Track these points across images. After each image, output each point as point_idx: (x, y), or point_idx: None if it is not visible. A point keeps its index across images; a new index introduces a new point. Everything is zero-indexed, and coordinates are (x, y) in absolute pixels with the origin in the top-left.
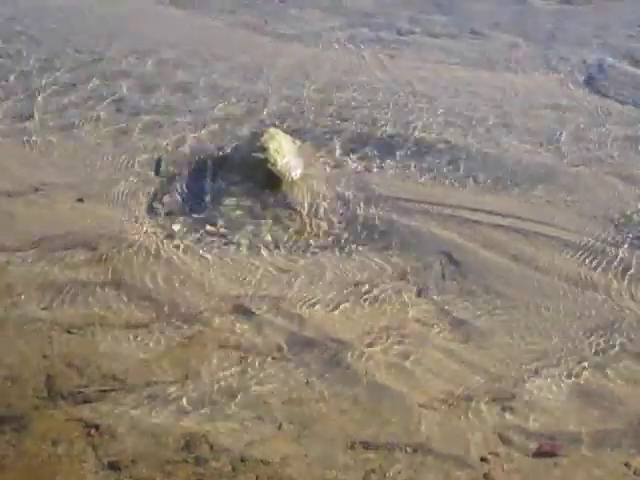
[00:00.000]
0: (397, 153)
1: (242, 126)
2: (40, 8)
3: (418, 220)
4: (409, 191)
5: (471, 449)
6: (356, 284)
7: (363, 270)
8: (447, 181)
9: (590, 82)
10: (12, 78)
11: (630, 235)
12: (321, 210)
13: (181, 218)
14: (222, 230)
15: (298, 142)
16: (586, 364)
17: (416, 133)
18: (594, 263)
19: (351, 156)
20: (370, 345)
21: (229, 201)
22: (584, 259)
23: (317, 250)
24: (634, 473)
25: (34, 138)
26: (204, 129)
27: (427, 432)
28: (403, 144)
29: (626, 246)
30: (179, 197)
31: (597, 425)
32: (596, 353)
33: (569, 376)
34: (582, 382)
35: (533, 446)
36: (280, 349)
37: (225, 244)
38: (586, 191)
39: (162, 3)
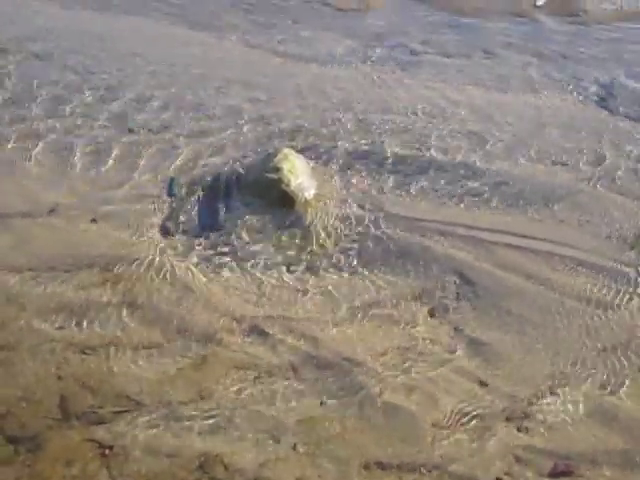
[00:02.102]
0: (411, 173)
1: (256, 146)
2: (56, 29)
3: (432, 240)
4: (423, 211)
5: (486, 469)
6: (370, 304)
7: (377, 290)
8: (461, 201)
9: (603, 101)
10: (28, 100)
11: None
12: (334, 230)
13: (194, 239)
14: (235, 250)
15: (311, 162)
16: (601, 384)
17: (430, 153)
18: (608, 283)
19: (365, 176)
20: (384, 365)
21: (242, 221)
22: (599, 279)
23: (330, 270)
24: None
25: (47, 159)
26: (217, 149)
27: (441, 452)
28: (417, 164)
29: None
30: (192, 218)
31: (612, 445)
32: (611, 373)
33: (584, 396)
34: (597, 402)
35: (548, 466)
36: (294, 369)
37: (238, 264)
38: (600, 211)
39: (176, 24)
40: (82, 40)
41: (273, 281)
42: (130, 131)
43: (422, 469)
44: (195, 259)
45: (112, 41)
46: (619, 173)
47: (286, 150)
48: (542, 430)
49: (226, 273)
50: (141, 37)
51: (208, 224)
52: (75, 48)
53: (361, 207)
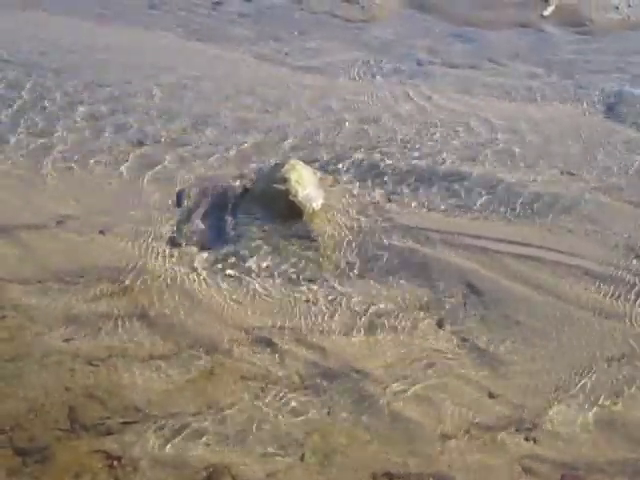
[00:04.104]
0: (417, 183)
1: (263, 157)
2: (62, 43)
3: (439, 250)
4: (430, 221)
5: (494, 479)
6: (378, 314)
7: (384, 300)
8: (468, 211)
9: (610, 111)
10: (34, 112)
11: None
12: (342, 240)
13: (202, 250)
14: (243, 261)
15: (319, 173)
16: (608, 393)
17: (437, 163)
18: (615, 292)
19: (371, 186)
20: (392, 375)
21: (250, 232)
22: (606, 288)
23: (338, 280)
24: None
25: (55, 171)
26: (225, 161)
27: (450, 462)
28: (424, 174)
29: None
30: (201, 229)
31: (620, 454)
32: (618, 382)
33: (591, 405)
34: (605, 411)
35: (556, 476)
36: (302, 380)
37: (246, 275)
38: (607, 220)
39: (184, 37)
40: (90, 53)
41: (281, 292)
42: (139, 143)
43: (430, 479)
44: (203, 270)
45: (120, 54)
46: (626, 183)
47: (293, 161)
48: (550, 440)
49: (234, 284)
50: (149, 50)
51: (216, 235)
52: (83, 61)
53: (368, 217)
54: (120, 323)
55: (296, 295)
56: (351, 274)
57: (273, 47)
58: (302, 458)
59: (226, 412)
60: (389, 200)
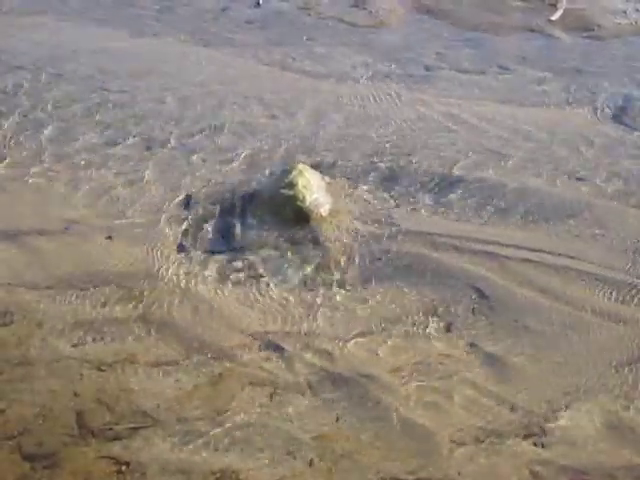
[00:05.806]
0: (425, 189)
1: (271, 163)
2: (67, 49)
3: (447, 255)
4: (438, 226)
5: None
6: (386, 319)
7: (392, 305)
8: (476, 216)
9: (618, 116)
10: (42, 117)
11: None
12: (350, 246)
13: (210, 255)
14: (250, 267)
15: (327, 178)
16: (617, 398)
17: (445, 169)
18: (624, 297)
19: (380, 192)
20: (400, 381)
21: (258, 238)
22: (614, 293)
23: (346, 286)
24: None
25: (63, 176)
26: (233, 166)
27: (458, 468)
28: (431, 180)
29: None
30: (208, 234)
31: (629, 460)
32: (627, 387)
33: (600, 410)
34: (613, 417)
35: None
36: (310, 385)
37: (254, 281)
38: (615, 225)
39: (191, 43)
40: (97, 59)
41: (288, 297)
42: (148, 148)
43: None
44: (211, 275)
45: (127, 59)
46: (634, 187)
47: (301, 166)
48: (558, 445)
49: (241, 289)
50: (156, 55)
51: (224, 240)
52: (91, 67)
53: (376, 223)
54: (128, 328)
55: (304, 300)
56: (359, 279)
57: (280, 53)
58: (311, 463)
59: (234, 417)
60: (397, 205)
